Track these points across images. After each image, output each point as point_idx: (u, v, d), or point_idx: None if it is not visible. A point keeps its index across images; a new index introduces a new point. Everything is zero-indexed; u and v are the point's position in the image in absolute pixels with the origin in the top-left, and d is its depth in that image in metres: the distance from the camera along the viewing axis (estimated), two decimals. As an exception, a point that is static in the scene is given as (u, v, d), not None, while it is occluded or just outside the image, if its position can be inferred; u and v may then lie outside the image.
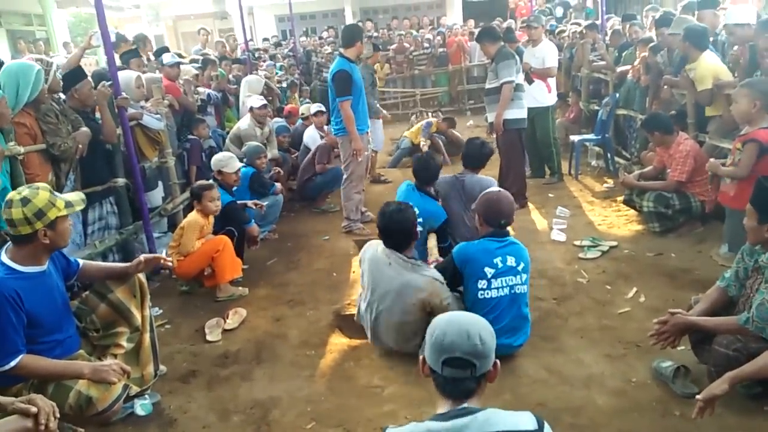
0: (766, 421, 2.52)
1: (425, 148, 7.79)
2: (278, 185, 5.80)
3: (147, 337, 2.97)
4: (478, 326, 1.59)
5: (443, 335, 1.56)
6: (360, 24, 13.06)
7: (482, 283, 3.09)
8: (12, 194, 2.48)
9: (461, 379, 1.56)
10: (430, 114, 9.30)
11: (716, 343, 2.56)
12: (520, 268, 3.13)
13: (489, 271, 3.08)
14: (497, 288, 3.09)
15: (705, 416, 2.24)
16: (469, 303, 3.17)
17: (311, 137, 6.87)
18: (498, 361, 1.60)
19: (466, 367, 1.54)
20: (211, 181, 4.52)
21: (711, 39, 5.21)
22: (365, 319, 3.38)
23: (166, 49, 6.98)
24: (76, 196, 2.68)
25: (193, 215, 4.32)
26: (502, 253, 3.12)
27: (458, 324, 1.58)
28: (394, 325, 3.20)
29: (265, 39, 15.40)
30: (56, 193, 2.56)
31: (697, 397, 2.24)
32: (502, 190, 3.39)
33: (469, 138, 4.73)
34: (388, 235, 3.23)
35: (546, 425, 1.59)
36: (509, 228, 3.33)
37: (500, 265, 3.09)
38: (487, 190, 3.37)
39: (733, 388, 2.27)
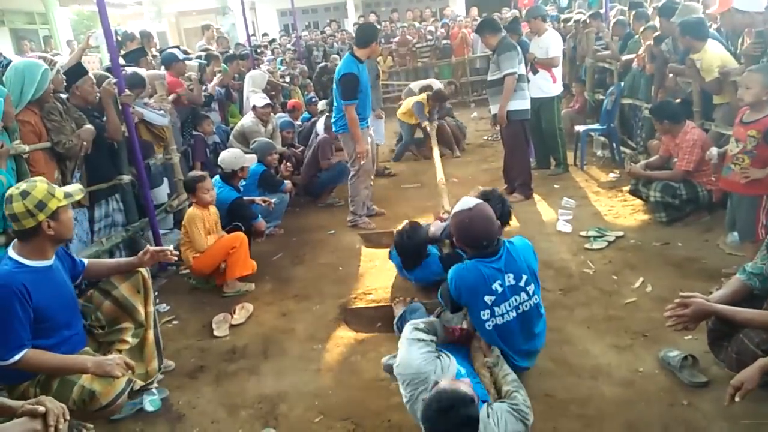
0: (775, 409, 2.51)
1: (433, 133, 7.54)
2: (288, 183, 5.80)
3: (151, 333, 2.98)
4: None
5: None
6: (375, 24, 12.96)
7: (485, 314, 2.72)
8: (11, 190, 2.48)
9: None
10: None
11: (746, 336, 2.43)
12: (522, 282, 2.74)
13: (489, 299, 2.70)
14: (502, 314, 2.72)
15: (738, 400, 2.11)
16: (479, 333, 2.81)
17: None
18: None
19: None
20: (202, 172, 4.50)
21: (714, 26, 5.17)
22: None
23: (175, 47, 6.99)
24: (74, 187, 2.68)
25: (190, 210, 4.32)
26: (499, 276, 2.70)
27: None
28: None
29: (265, 34, 15.38)
30: (53, 185, 2.56)
31: (731, 382, 2.15)
32: (476, 204, 2.80)
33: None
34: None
35: None
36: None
37: (500, 289, 2.70)
38: (455, 211, 2.84)
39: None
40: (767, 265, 2.59)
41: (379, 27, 14.23)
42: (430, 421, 2.17)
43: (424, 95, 8.00)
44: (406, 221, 4.12)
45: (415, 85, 9.13)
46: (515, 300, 2.74)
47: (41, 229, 2.46)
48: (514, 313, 2.73)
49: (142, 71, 4.97)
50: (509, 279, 2.72)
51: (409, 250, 3.92)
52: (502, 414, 2.31)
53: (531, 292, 2.77)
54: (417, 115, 7.91)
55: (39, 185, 2.48)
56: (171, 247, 3.23)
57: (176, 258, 3.15)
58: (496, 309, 2.71)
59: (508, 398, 2.44)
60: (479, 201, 2.86)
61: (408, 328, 2.66)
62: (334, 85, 5.40)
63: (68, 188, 2.63)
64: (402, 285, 4.19)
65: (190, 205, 4.43)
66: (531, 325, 2.81)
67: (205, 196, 4.30)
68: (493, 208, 3.54)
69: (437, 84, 8.85)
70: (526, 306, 2.76)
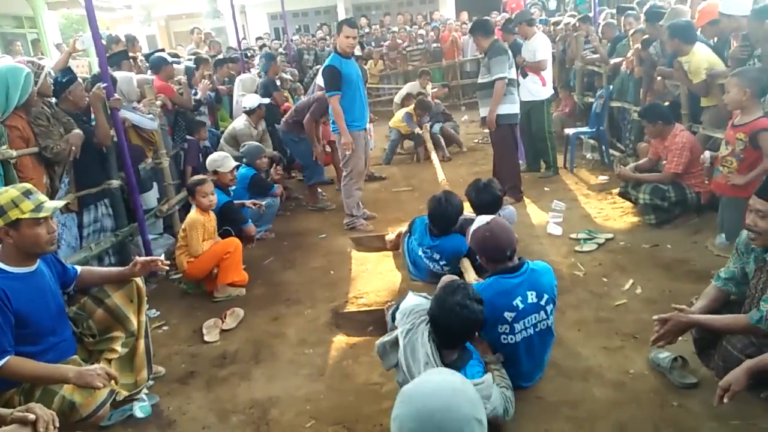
0: (762, 408, 2.53)
1: (426, 136, 7.74)
2: (278, 187, 5.78)
3: (142, 342, 2.94)
4: (459, 423, 1.19)
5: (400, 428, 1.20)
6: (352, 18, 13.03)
7: (503, 328, 2.70)
8: None
9: None
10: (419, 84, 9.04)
11: (729, 342, 2.44)
12: (543, 301, 2.74)
13: (510, 315, 2.68)
14: (520, 331, 2.71)
15: (726, 401, 2.13)
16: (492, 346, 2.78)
17: None
18: None
19: None
20: (203, 176, 4.54)
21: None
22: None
23: (161, 51, 6.97)
24: (50, 204, 2.55)
25: (192, 214, 4.32)
26: (521, 291, 2.70)
27: (431, 426, 1.18)
28: None
29: (259, 38, 15.35)
30: (31, 197, 2.46)
31: (719, 384, 2.17)
32: (491, 220, 2.88)
33: (472, 186, 4.13)
34: None
35: None
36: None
37: (521, 305, 2.69)
38: (474, 228, 2.89)
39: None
40: (738, 269, 2.62)
41: (368, 30, 14.33)
42: (437, 300, 2.45)
43: (411, 106, 8.33)
44: (442, 191, 4.13)
45: (398, 97, 9.47)
46: (535, 318, 2.73)
47: None
48: (532, 331, 2.73)
49: (128, 74, 4.95)
50: (531, 296, 2.71)
51: (446, 215, 3.92)
52: (495, 391, 2.42)
53: (549, 312, 2.79)
54: (407, 124, 8.23)
55: (9, 192, 2.42)
56: (162, 256, 3.21)
57: (167, 268, 3.11)
58: (516, 326, 2.69)
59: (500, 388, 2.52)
60: (493, 216, 2.94)
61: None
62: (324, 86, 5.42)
63: (46, 203, 2.51)
64: (400, 288, 4.19)
65: (185, 209, 4.41)
66: (545, 344, 2.86)
67: (203, 200, 4.31)
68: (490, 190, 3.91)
69: (417, 87, 9.18)
70: (543, 325, 2.78)
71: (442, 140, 8.41)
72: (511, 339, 2.71)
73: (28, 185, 2.56)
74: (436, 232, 4.00)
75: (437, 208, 3.95)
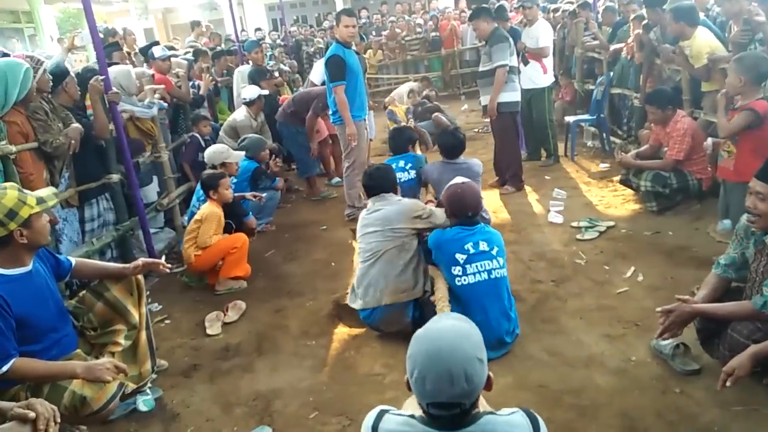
0: (765, 394, 2.53)
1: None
2: (280, 180, 5.78)
3: (144, 334, 2.94)
4: (463, 360, 1.38)
5: (423, 379, 1.39)
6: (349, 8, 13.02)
7: (456, 270, 3.10)
8: None
9: (449, 416, 1.42)
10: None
11: (735, 330, 2.42)
12: (494, 252, 3.12)
13: (461, 257, 3.09)
14: (473, 273, 3.08)
15: (729, 385, 2.15)
16: (451, 294, 3.13)
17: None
18: (491, 374, 1.45)
19: (452, 408, 1.40)
20: (221, 170, 4.61)
21: (703, 14, 5.18)
22: (359, 285, 3.44)
23: (156, 44, 6.94)
24: (48, 191, 2.59)
25: (210, 207, 4.34)
26: (472, 239, 3.11)
27: (438, 362, 1.38)
28: (386, 265, 3.32)
29: (258, 29, 15.27)
30: (26, 191, 2.48)
31: (723, 368, 2.17)
32: (467, 181, 3.32)
33: (441, 130, 4.78)
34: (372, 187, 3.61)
35: (540, 423, 1.51)
36: (493, 215, 3.50)
37: (472, 250, 3.09)
38: (451, 183, 3.31)
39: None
40: (739, 254, 2.61)
41: (367, 20, 14.24)
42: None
43: (393, 107, 8.69)
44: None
45: (397, 95, 9.29)
46: (487, 264, 3.09)
47: (13, 238, 2.38)
48: (486, 275, 3.08)
49: (126, 67, 4.92)
50: (483, 245, 3.11)
51: (398, 136, 4.94)
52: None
53: (501, 263, 3.14)
54: (390, 119, 8.38)
55: (9, 192, 2.39)
56: (163, 255, 3.20)
57: (168, 270, 3.09)
58: (467, 267, 3.08)
59: None
60: (469, 180, 3.39)
61: None
62: (326, 77, 5.39)
63: (41, 193, 2.54)
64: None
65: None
66: (502, 296, 3.13)
67: (227, 192, 4.42)
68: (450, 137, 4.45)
69: (416, 87, 9.28)
70: (498, 273, 3.11)
71: (427, 135, 8.46)
72: (465, 280, 3.08)
73: (11, 183, 2.56)
74: (397, 151, 4.83)
75: (392, 132, 5.18)
